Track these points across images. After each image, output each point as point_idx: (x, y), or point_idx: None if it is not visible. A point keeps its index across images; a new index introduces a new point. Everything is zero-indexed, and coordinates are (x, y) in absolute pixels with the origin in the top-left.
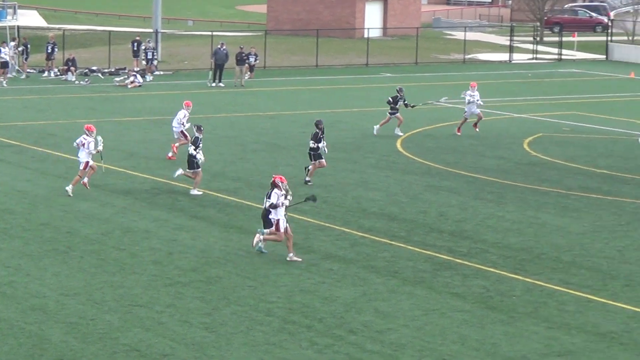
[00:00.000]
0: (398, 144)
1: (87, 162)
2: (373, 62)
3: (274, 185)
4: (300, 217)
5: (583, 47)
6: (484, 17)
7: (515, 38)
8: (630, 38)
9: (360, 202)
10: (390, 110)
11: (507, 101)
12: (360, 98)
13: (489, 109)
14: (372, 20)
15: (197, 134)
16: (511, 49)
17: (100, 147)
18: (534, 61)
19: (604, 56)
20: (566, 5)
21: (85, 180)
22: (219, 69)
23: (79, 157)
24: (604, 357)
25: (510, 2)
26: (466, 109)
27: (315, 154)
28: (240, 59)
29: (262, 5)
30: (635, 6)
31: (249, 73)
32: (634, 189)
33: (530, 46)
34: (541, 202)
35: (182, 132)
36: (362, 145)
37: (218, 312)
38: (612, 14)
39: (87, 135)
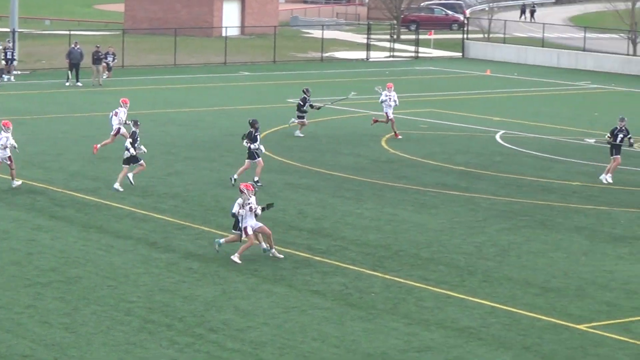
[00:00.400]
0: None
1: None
2: (231, 61)
3: (240, 191)
4: (160, 216)
5: (439, 44)
6: (341, 15)
7: (372, 36)
8: (486, 36)
9: (219, 201)
10: (299, 113)
11: (365, 99)
12: (219, 97)
13: (345, 106)
14: (230, 18)
15: (134, 129)
16: (368, 47)
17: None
18: (391, 59)
19: (460, 54)
20: (422, 4)
21: None
22: (74, 68)
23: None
24: (463, 352)
25: (367, 0)
26: (385, 110)
27: (249, 153)
28: (97, 58)
29: (119, 4)
30: (491, 4)
31: (106, 72)
32: (490, 185)
33: (387, 44)
34: (399, 199)
35: (118, 131)
36: (220, 144)
37: (78, 312)
38: (467, 12)
39: (4, 131)
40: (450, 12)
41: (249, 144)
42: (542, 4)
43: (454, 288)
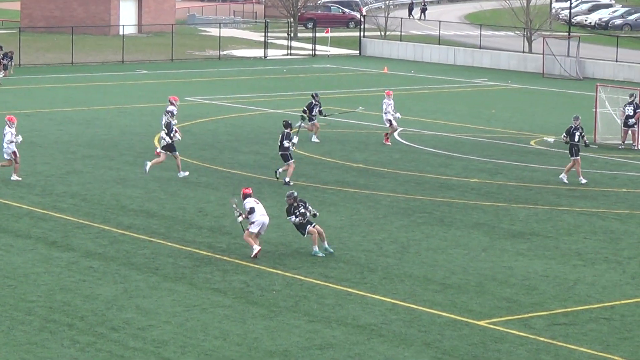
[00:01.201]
0: (155, 142)
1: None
2: (129, 59)
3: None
4: (59, 215)
5: (336, 42)
6: (238, 13)
7: (269, 34)
8: (383, 34)
9: (119, 199)
10: (307, 117)
11: (263, 97)
12: (117, 95)
13: (244, 104)
14: (127, 17)
15: (169, 119)
16: (266, 45)
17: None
18: (289, 57)
19: (358, 51)
20: (319, 2)
21: None
22: None
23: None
24: (364, 349)
25: None
26: (390, 118)
27: (284, 155)
28: None
29: (15, 2)
30: (387, 2)
31: (3, 71)
32: (390, 182)
33: (284, 42)
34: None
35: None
36: (118, 142)
37: None
38: (364, 10)
39: (9, 126)
40: (346, 10)
41: (289, 144)
42: (433, 2)
43: (354, 285)
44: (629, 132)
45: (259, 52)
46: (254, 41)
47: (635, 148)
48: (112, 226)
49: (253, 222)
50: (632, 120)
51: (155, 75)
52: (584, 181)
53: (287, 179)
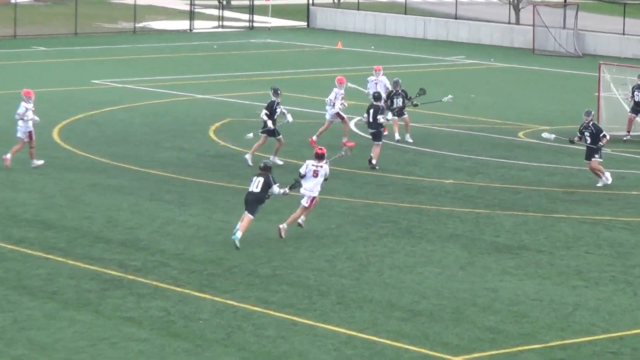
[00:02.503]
0: (55, 134)
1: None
2: (23, 33)
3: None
4: None
5: (279, 12)
6: None
7: (196, 2)
8: (336, 1)
9: (8, 207)
10: (389, 111)
11: (188, 79)
12: (8, 77)
13: (165, 89)
14: None
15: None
16: (192, 16)
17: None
18: (220, 30)
19: (305, 23)
20: None
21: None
22: None
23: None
24: None
25: None
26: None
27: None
28: None
29: None
30: None
31: None
32: (345, 184)
33: (214, 12)
34: (232, 204)
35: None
36: (9, 135)
37: None
38: None
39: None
40: None
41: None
42: None
43: (301, 312)
44: (638, 120)
45: (183, 24)
46: (177, 11)
47: None
48: (0, 240)
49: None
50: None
51: (55, 53)
52: (609, 181)
53: (374, 161)
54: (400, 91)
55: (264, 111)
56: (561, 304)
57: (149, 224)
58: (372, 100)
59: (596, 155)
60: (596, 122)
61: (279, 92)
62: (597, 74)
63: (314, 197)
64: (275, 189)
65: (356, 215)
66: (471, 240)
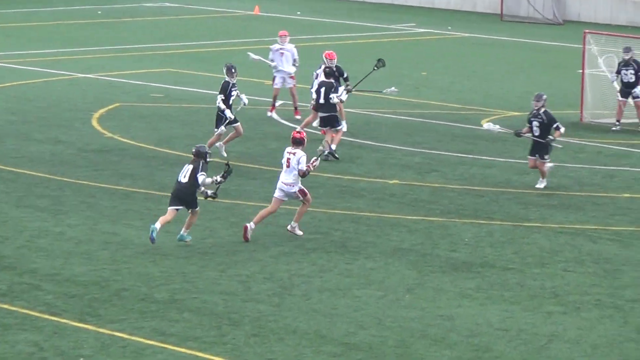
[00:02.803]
0: None
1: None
2: None
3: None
4: None
5: None
6: None
7: None
8: None
9: None
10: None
11: (65, 53)
12: None
13: (36, 66)
14: None
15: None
16: None
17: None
18: None
19: None
20: None
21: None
22: None
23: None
24: None
25: None
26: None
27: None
28: None
29: None
30: None
31: None
32: (262, 186)
33: None
34: (121, 210)
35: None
36: None
37: None
38: None
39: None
40: None
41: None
42: None
43: (207, 347)
44: (631, 104)
45: None
46: None
47: None
48: None
49: None
50: (637, 90)
51: None
52: (542, 185)
53: (334, 147)
54: (333, 68)
55: (219, 96)
56: (533, 334)
57: (15, 237)
58: (323, 76)
59: (546, 157)
60: (549, 110)
61: (234, 70)
62: (582, 46)
63: (301, 189)
64: (201, 178)
65: (277, 225)
66: (421, 255)
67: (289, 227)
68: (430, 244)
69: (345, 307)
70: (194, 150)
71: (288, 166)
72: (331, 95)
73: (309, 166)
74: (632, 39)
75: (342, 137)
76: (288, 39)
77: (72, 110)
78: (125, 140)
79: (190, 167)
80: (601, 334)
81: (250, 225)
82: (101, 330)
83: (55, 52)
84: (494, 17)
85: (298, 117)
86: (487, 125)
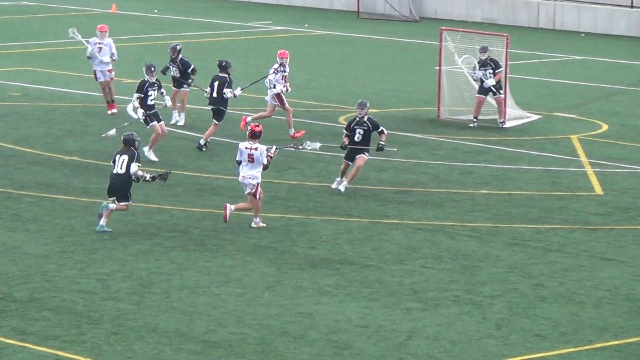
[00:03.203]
0: None
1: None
2: None
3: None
4: None
5: None
6: None
7: None
8: None
9: None
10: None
11: None
12: None
13: None
14: None
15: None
16: None
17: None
18: None
19: None
20: None
21: None
22: None
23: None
24: None
25: None
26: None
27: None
28: None
29: None
30: None
31: None
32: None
33: None
34: None
35: None
36: None
37: None
38: None
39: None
40: None
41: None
42: None
43: (67, 346)
44: (491, 102)
45: None
46: None
47: (503, 125)
48: None
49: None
50: (488, 83)
51: None
52: (343, 187)
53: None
54: (177, 60)
55: (136, 95)
56: (392, 331)
57: None
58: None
59: (366, 153)
60: (372, 117)
61: (153, 69)
62: (438, 43)
63: (258, 184)
64: (134, 167)
65: (135, 222)
66: (280, 253)
67: (253, 225)
68: (288, 241)
69: (205, 305)
70: (122, 138)
71: (252, 161)
72: (225, 90)
73: (270, 157)
74: (486, 36)
75: (200, 135)
76: (107, 34)
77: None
78: None
79: (125, 157)
80: (460, 330)
81: (231, 207)
82: None
83: None
84: (351, 15)
85: (114, 110)
86: (308, 144)
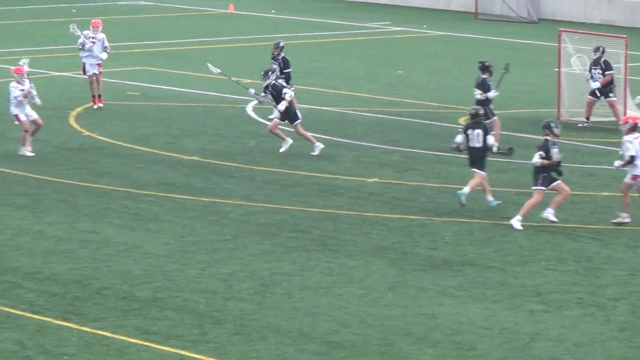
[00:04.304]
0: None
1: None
2: None
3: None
4: None
5: None
6: None
7: None
8: None
9: None
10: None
11: (41, 51)
12: None
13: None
14: None
15: None
16: None
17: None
18: None
19: None
20: None
21: None
22: None
23: None
24: None
25: None
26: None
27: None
28: None
29: None
30: None
31: None
32: (241, 184)
33: None
34: (100, 208)
35: None
36: None
37: None
38: None
39: None
40: None
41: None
42: None
43: (190, 345)
44: (604, 104)
45: None
46: None
47: (622, 127)
48: None
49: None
50: (592, 85)
51: None
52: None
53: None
54: (278, 58)
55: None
56: (515, 333)
57: None
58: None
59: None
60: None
61: (265, 74)
62: (557, 44)
63: None
64: (491, 139)
65: (256, 223)
66: (402, 254)
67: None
68: (410, 242)
69: (327, 306)
70: (472, 111)
71: None
72: (477, 91)
73: None
74: (605, 37)
75: (320, 135)
76: (100, 29)
77: (49, 109)
78: (102, 138)
79: (479, 130)
80: (584, 332)
81: None
82: (84, 328)
83: (31, 51)
84: (468, 16)
85: (100, 105)
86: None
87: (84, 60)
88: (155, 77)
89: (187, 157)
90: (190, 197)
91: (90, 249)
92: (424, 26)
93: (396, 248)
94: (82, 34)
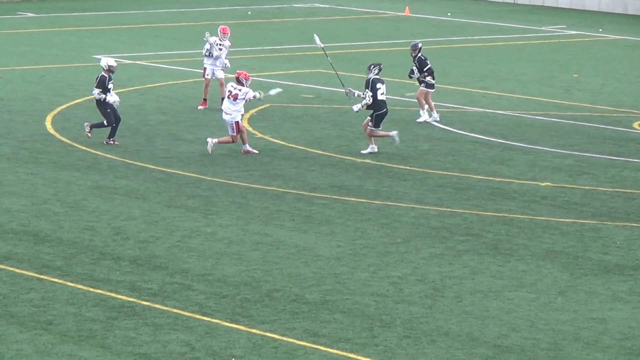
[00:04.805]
0: (48, 123)
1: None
2: None
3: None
4: None
5: None
6: None
7: None
8: None
9: None
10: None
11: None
12: None
13: (186, 66)
14: None
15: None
16: None
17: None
18: None
19: None
20: None
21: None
22: None
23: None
24: None
25: None
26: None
27: None
28: None
29: None
30: None
31: None
32: (413, 187)
33: None
34: (272, 210)
35: None
36: None
37: None
38: None
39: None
40: None
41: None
42: None
43: (359, 348)
44: None
45: None
46: None
47: None
48: None
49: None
50: None
51: (46, 21)
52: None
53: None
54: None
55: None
56: None
57: (167, 237)
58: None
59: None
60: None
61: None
62: None
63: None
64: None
65: (428, 226)
66: (573, 258)
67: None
68: (582, 246)
69: (497, 309)
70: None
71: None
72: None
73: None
74: None
75: (493, 140)
76: (228, 36)
77: (223, 111)
78: (276, 141)
79: None
80: None
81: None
82: (253, 330)
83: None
84: None
85: (204, 107)
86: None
87: (206, 64)
88: (330, 80)
89: (360, 160)
90: (362, 200)
91: (261, 251)
92: (600, 30)
93: (568, 252)
94: (208, 41)
